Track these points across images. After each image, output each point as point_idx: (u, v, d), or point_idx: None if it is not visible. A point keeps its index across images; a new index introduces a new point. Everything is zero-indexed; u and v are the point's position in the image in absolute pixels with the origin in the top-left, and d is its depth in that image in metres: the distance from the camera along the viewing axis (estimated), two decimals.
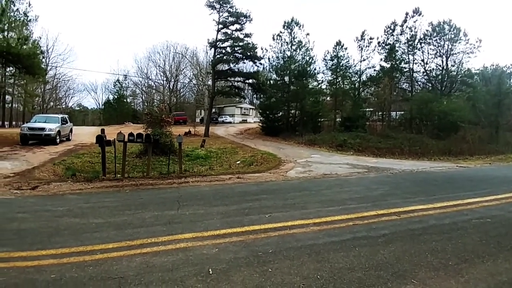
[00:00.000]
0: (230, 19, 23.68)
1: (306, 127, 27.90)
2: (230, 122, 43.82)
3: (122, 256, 3.23)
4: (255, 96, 29.85)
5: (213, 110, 46.85)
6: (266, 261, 3.23)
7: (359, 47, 31.70)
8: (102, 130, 8.09)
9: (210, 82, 41.38)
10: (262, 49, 32.26)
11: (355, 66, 32.31)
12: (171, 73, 54.64)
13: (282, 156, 14.58)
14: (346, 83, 33.30)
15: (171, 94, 55.96)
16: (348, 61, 31.79)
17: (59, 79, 50.21)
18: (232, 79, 25.79)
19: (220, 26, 23.91)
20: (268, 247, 3.60)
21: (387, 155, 18.20)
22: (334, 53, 31.59)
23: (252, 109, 52.42)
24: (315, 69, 29.88)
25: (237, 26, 23.86)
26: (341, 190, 7.27)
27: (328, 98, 34.88)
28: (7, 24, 15.60)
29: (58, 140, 15.90)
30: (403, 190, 7.24)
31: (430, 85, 32.57)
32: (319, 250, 3.51)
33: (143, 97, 63.34)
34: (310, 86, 29.39)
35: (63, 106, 55.08)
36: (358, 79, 32.94)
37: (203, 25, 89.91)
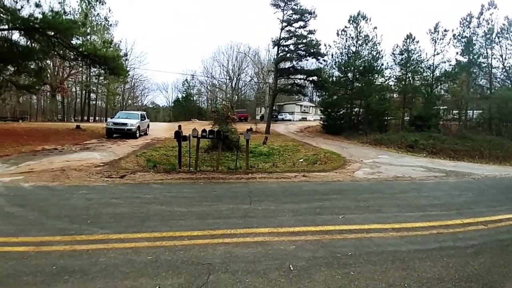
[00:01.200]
0: (294, 16, 23.46)
1: (371, 126, 26.10)
2: (289, 120, 43.64)
3: (207, 244, 3.44)
4: (316, 93, 29.06)
5: (273, 107, 47.52)
6: (346, 263, 3.17)
7: (432, 40, 28.55)
8: (179, 127, 8.84)
9: (271, 80, 41.91)
10: (325, 45, 31.30)
11: (427, 60, 29.04)
12: (234, 72, 56.99)
13: (347, 156, 13.92)
14: (416, 78, 30.30)
15: (233, 92, 58.46)
16: (420, 55, 28.76)
17: (136, 79, 57.03)
18: (294, 76, 25.56)
19: (284, 24, 23.89)
20: (347, 249, 3.53)
21: (465, 158, 16.33)
22: (404, 47, 28.83)
23: (312, 106, 51.25)
24: (382, 65, 27.82)
25: (301, 23, 23.56)
26: (418, 195, 6.78)
27: (395, 95, 32.22)
28: (89, 28, 18.06)
29: (138, 134, 18.04)
30: (488, 198, 6.72)
31: (509, 82, 27.40)
32: (403, 257, 3.36)
33: (208, 95, 67.75)
34: (376, 83, 27.47)
35: (139, 104, 62.50)
36: (431, 75, 29.40)
37: (265, 25, 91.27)
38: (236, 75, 58.24)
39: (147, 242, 3.49)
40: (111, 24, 26.82)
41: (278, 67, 25.12)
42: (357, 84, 27.32)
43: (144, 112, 22.21)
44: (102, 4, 19.56)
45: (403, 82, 30.15)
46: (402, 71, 29.76)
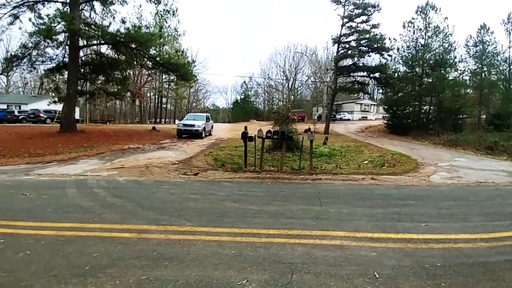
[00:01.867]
0: (356, 11, 22.32)
1: (443, 125, 23.25)
2: (348, 119, 41.57)
3: (285, 243, 3.51)
4: (379, 91, 27.09)
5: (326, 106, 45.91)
6: (436, 274, 2.95)
7: (507, 31, 24.03)
8: (245, 128, 9.21)
9: (328, 79, 40.56)
10: (389, 39, 28.90)
11: (503, 53, 24.46)
12: (290, 72, 56.85)
13: (418, 158, 12.66)
14: (493, 72, 25.99)
15: (290, 92, 58.34)
16: (495, 47, 24.52)
17: (200, 83, 61.41)
18: (355, 74, 24.26)
19: (345, 20, 22.90)
20: (434, 259, 3.27)
21: None
22: (478, 38, 24.87)
23: (374, 105, 47.88)
24: (455, 57, 24.48)
25: (363, 17, 22.31)
26: (504, 202, 6.06)
27: (469, 91, 28.01)
28: (162, 39, 19.87)
29: (203, 134, 19.39)
30: None
31: None
32: (493, 268, 3.08)
33: (264, 96, 68.98)
34: (449, 78, 24.28)
35: (202, 106, 67.12)
36: (508, 68, 24.68)
37: (323, 23, 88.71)
38: (292, 75, 58.04)
39: (228, 236, 3.72)
40: (179, 34, 29.63)
41: (338, 65, 24.15)
42: (427, 79, 24.69)
43: (209, 114, 23.76)
44: (175, 16, 21.65)
45: (478, 77, 26.12)
46: (477, 64, 25.88)
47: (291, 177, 7.89)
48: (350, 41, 23.85)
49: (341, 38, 23.74)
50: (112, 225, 4.10)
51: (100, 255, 3.23)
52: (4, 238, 3.64)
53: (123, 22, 16.54)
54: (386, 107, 27.55)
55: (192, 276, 2.78)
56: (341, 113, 45.50)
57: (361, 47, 22.97)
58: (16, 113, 29.04)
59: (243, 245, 3.46)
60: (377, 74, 24.05)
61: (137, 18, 19.57)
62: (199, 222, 4.24)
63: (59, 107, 33.36)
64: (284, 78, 59.16)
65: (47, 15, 14.48)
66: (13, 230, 3.90)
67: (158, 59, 17.84)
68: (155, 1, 19.60)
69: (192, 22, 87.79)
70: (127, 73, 22.10)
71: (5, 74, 20.41)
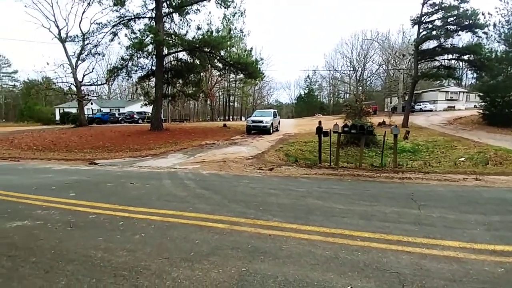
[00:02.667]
0: None
1: None
2: (430, 110, 36.45)
3: (385, 249, 3.20)
4: (471, 76, 22.67)
5: (406, 97, 40.98)
6: None
7: None
8: (319, 122, 8.88)
9: (404, 66, 36.28)
10: (483, 14, 24.08)
11: None
12: (358, 61, 53.01)
13: None
14: None
15: (358, 83, 54.51)
16: None
17: (264, 80, 62.49)
18: (441, 58, 21.01)
19: None
20: None
21: None
22: None
23: (463, 92, 40.81)
24: None
25: None
26: None
27: None
28: (231, 41, 20.54)
29: (271, 130, 19.63)
30: None
31: None
32: None
33: (329, 90, 66.14)
34: None
35: (265, 103, 68.20)
36: None
37: (397, 5, 79.78)
38: (361, 65, 53.96)
39: (318, 235, 3.60)
40: (245, 35, 30.64)
41: (419, 49, 21.27)
42: None
43: (276, 110, 23.94)
44: (243, 17, 22.32)
45: None
46: None
47: (373, 174, 7.27)
48: (434, 20, 20.69)
49: (423, 18, 20.77)
50: (206, 215, 4.42)
51: (200, 242, 3.51)
52: (123, 220, 4.30)
53: (199, 28, 17.95)
54: (481, 94, 23.17)
55: (290, 274, 2.75)
56: (421, 103, 40.16)
57: (448, 26, 19.69)
58: (116, 115, 34.61)
59: (336, 247, 3.28)
60: (466, 57, 20.37)
61: (207, 24, 20.89)
62: (285, 218, 4.23)
63: (148, 109, 38.25)
64: (351, 68, 55.44)
65: (139, 30, 16.69)
66: (128, 214, 4.57)
67: (228, 59, 18.75)
68: (225, 6, 20.60)
69: (254, 20, 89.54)
70: (201, 76, 23.88)
71: (109, 83, 24.54)
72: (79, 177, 7.59)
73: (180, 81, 22.64)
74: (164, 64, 20.21)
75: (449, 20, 19.11)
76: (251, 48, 18.36)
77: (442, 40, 20.20)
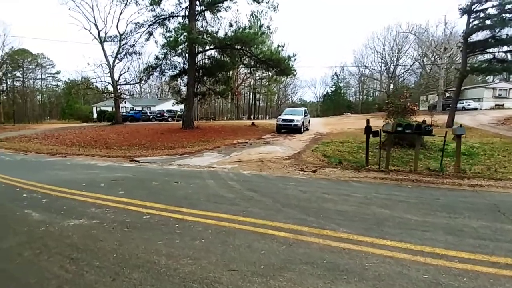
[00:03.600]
0: None
1: None
2: (475, 109, 33.64)
3: (495, 274, 2.65)
4: None
5: (447, 94, 38.15)
6: None
7: None
8: (367, 121, 8.26)
9: (446, 60, 33.76)
10: None
11: None
12: (391, 56, 50.36)
13: None
14: None
15: (389, 80, 51.86)
16: None
17: (289, 78, 61.40)
18: (494, 50, 19.14)
19: None
20: None
21: None
22: None
23: None
24: None
25: None
26: None
27: None
28: (262, 37, 20.02)
29: (302, 129, 19.01)
30: None
31: None
32: None
33: (357, 88, 63.68)
34: None
35: (290, 101, 67.08)
36: None
37: None
38: (393, 61, 51.16)
39: (404, 253, 3.10)
40: (272, 31, 30.20)
41: (468, 41, 19.51)
42: None
43: (306, 109, 23.28)
44: (276, 11, 21.72)
45: None
46: None
47: (433, 180, 6.55)
48: (486, 9, 18.86)
49: (473, 7, 19.01)
50: (263, 221, 4.09)
51: (267, 253, 3.18)
52: (177, 222, 4.09)
53: (231, 25, 17.73)
54: None
55: None
56: (464, 101, 37.19)
57: (504, 14, 17.80)
58: (148, 113, 35.78)
59: (432, 269, 2.78)
60: None
61: (235, 22, 20.61)
62: (354, 229, 3.78)
63: (177, 107, 39.08)
64: (383, 64, 52.74)
65: (173, 29, 16.83)
66: (181, 215, 4.37)
67: (260, 56, 18.41)
68: (256, 1, 20.26)
69: (278, 16, 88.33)
70: (230, 73, 23.79)
71: (141, 82, 25.35)
72: (123, 174, 7.65)
73: (210, 79, 22.69)
74: (196, 62, 20.33)
75: (506, 8, 17.25)
76: (284, 44, 17.87)
77: (496, 30, 18.33)
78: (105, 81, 25.19)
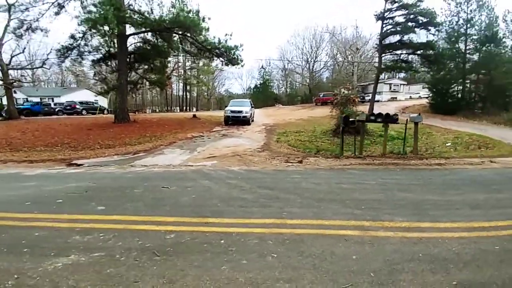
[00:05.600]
0: None
1: (493, 103, 22.21)
2: (377, 101, 40.03)
3: None
4: (424, 69, 25.60)
5: (357, 88, 44.32)
6: None
7: None
8: (342, 112, 8.60)
9: (357, 59, 38.93)
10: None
11: None
12: (311, 53, 55.06)
13: (502, 140, 11.85)
14: None
15: (310, 74, 56.77)
16: None
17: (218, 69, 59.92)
18: (401, 52, 22.97)
19: None
20: None
21: None
22: None
23: (403, 84, 45.98)
24: (502, 33, 23.12)
25: None
26: None
27: None
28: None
29: (250, 121, 18.85)
30: None
31: None
32: None
33: (283, 81, 67.43)
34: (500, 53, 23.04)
35: (217, 93, 66.06)
36: None
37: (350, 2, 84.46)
38: (313, 57, 56.17)
39: (475, 232, 3.24)
40: (203, 18, 28.65)
41: (382, 43, 22.83)
42: (470, 55, 23.76)
43: (251, 100, 23.13)
44: None
45: None
46: None
47: (407, 162, 7.36)
48: (394, 17, 22.47)
49: (386, 14, 22.32)
50: (316, 221, 3.67)
51: (359, 257, 2.82)
52: (220, 238, 3.27)
53: (173, 6, 15.78)
54: (429, 86, 26.68)
55: None
56: (368, 94, 43.95)
57: (408, 23, 21.57)
58: (52, 105, 29.21)
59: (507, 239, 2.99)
60: (422, 51, 22.77)
61: (157, 4, 18.52)
62: (406, 216, 3.78)
63: (92, 98, 33.27)
64: (305, 60, 57.37)
65: (98, 2, 13.85)
66: (213, 228, 3.53)
67: (205, 44, 17.11)
68: None
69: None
70: (166, 61, 21.51)
71: (46, 66, 20.20)
72: (79, 183, 5.84)
73: (143, 66, 19.98)
74: (127, 46, 17.47)
75: (411, 17, 20.83)
76: (231, 33, 17.01)
77: (401, 35, 22.02)
78: None
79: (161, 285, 2.44)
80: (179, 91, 46.25)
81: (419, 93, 45.63)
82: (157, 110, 33.86)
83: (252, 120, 20.56)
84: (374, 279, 2.48)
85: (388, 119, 8.27)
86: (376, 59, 27.26)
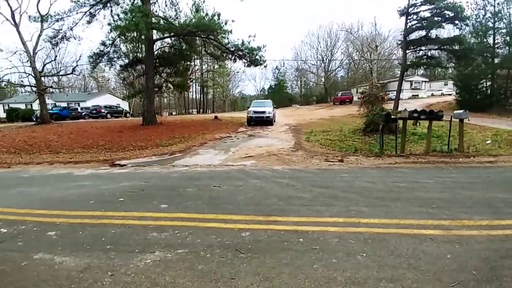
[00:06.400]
0: None
1: None
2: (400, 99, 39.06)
3: None
4: (451, 65, 24.65)
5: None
6: None
7: None
8: (382, 109, 8.40)
9: (377, 56, 38.11)
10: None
11: None
12: (326, 52, 54.47)
13: None
14: None
15: (326, 74, 56.14)
16: None
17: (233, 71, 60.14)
18: (427, 48, 22.26)
19: None
20: None
21: None
22: None
23: (424, 81, 44.60)
24: None
25: None
26: None
27: None
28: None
29: (273, 122, 18.79)
30: None
31: None
32: None
33: (297, 81, 67.07)
34: None
35: (231, 95, 66.27)
36: None
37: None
38: (328, 55, 55.51)
39: None
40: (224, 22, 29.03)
41: (407, 39, 22.24)
42: (500, 50, 22.76)
43: (271, 101, 23.09)
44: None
45: None
46: None
47: (456, 160, 7.08)
48: (419, 12, 21.82)
49: (410, 9, 21.72)
50: (389, 220, 3.55)
51: (454, 256, 2.69)
52: (297, 237, 3.20)
53: (197, 11, 16.03)
54: (455, 82, 25.68)
55: None
56: (388, 92, 42.89)
57: (436, 17, 20.87)
58: (79, 109, 30.32)
59: None
60: (451, 46, 21.94)
61: (196, 8, 18.78)
62: (483, 214, 3.61)
63: (114, 102, 34.27)
64: (320, 60, 56.79)
65: (129, 10, 14.27)
66: (286, 227, 3.48)
67: (228, 46, 17.26)
68: None
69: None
70: (187, 64, 21.87)
71: (76, 73, 21.02)
72: (130, 182, 5.98)
73: (167, 70, 20.37)
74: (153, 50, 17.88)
75: (437, 11, 20.18)
76: (255, 34, 17.08)
77: (427, 30, 21.36)
78: (24, 72, 20.04)
79: (258, 282, 2.42)
80: (195, 93, 46.86)
81: (441, 90, 44.16)
82: (173, 113, 34.35)
83: (274, 121, 20.53)
84: (477, 276, 2.37)
85: (432, 116, 7.98)
86: (395, 56, 26.72)
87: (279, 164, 7.53)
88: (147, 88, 16.90)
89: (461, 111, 8.53)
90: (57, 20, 16.09)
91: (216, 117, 22.98)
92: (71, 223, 3.82)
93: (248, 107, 20.09)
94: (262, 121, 18.26)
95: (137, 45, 17.25)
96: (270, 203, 4.42)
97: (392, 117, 8.31)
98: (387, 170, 6.36)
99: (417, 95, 42.34)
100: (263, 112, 18.30)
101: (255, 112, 18.51)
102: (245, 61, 17.77)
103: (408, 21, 22.25)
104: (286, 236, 3.26)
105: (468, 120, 8.41)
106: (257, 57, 17.20)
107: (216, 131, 15.64)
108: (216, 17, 16.02)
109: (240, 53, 17.36)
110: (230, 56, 18.24)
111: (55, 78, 29.63)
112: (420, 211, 3.83)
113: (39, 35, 19.64)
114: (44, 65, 20.90)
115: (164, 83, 20.39)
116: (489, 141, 11.15)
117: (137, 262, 2.81)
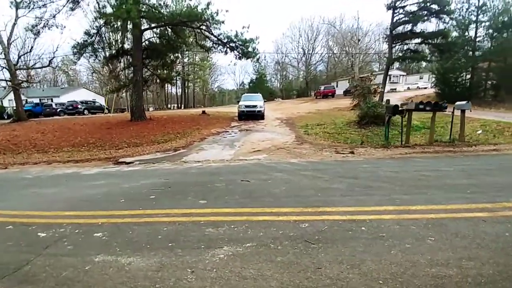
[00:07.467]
0: None
1: (510, 91, 22.53)
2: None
3: None
4: (433, 58, 25.71)
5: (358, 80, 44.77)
6: None
7: None
8: (388, 101, 8.66)
9: (358, 50, 39.07)
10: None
11: None
12: (307, 46, 55.05)
13: None
14: None
15: (307, 68, 56.80)
16: None
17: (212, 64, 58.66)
18: (412, 42, 23.12)
19: None
20: None
21: None
22: None
23: (403, 75, 46.55)
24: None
25: None
26: None
27: None
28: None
29: (264, 116, 18.73)
30: None
31: None
32: None
33: (278, 74, 67.18)
34: None
35: (210, 89, 65.08)
36: None
37: None
38: (309, 49, 56.12)
39: None
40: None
41: (393, 33, 22.99)
42: (481, 44, 23.95)
43: (260, 94, 22.96)
44: None
45: None
46: None
47: (461, 149, 7.50)
48: (406, 6, 22.51)
49: (397, 3, 22.36)
50: (441, 206, 3.65)
51: None
52: (356, 226, 3.25)
53: None
54: (436, 75, 26.64)
55: None
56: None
57: (422, 11, 21.60)
58: (53, 106, 28.40)
59: None
60: (433, 40, 22.91)
61: None
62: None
63: (90, 97, 32.41)
64: (301, 53, 57.29)
65: None
66: (337, 216, 3.50)
67: (221, 37, 16.88)
68: None
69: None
70: (175, 56, 21.15)
71: (53, 65, 19.54)
72: (150, 180, 5.70)
73: (154, 62, 19.56)
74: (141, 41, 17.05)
75: (422, 6, 20.91)
76: (248, 25, 16.79)
77: (413, 24, 22.10)
78: None
79: (348, 270, 2.42)
80: (176, 88, 45.60)
81: (417, 83, 46.35)
82: (151, 109, 33.15)
83: (264, 115, 20.48)
84: None
85: (437, 107, 8.36)
86: (374, 51, 27.40)
87: (292, 157, 7.56)
88: (135, 81, 16.13)
89: (464, 102, 8.99)
90: (39, 7, 14.83)
91: (204, 111, 22.52)
92: (113, 223, 3.59)
93: (239, 102, 19.89)
94: (253, 115, 18.15)
95: (124, 35, 16.33)
96: (308, 194, 4.43)
97: (400, 109, 8.60)
98: (404, 160, 6.61)
99: (395, 89, 44.05)
100: (255, 106, 18.19)
101: (246, 106, 18.33)
102: (237, 53, 17.48)
103: (395, 15, 22.94)
104: (347, 225, 3.29)
105: (470, 111, 8.81)
106: (250, 49, 16.97)
107: (210, 126, 15.34)
108: (208, 7, 15.55)
109: (233, 44, 17.04)
110: (221, 48, 17.83)
111: (32, 72, 27.34)
112: (458, 196, 4.02)
113: (14, 24, 18.08)
114: (19, 57, 19.28)
115: (150, 76, 19.59)
116: (479, 131, 11.89)
117: (210, 258, 2.71)
